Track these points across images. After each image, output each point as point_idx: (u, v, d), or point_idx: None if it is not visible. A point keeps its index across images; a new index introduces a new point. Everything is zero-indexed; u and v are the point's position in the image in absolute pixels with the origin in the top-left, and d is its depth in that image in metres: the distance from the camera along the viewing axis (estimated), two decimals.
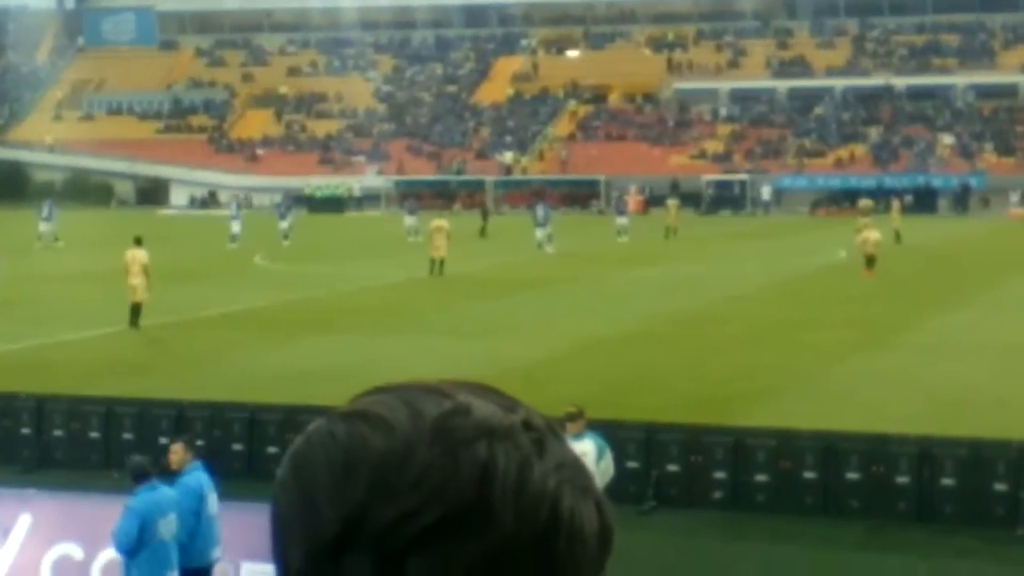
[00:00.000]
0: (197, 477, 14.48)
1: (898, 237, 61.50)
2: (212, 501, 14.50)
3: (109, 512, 14.62)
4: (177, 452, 14.76)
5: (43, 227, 66.14)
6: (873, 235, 49.23)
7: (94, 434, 22.29)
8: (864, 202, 65.96)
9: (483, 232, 68.62)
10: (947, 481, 18.86)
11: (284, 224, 65.86)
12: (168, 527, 13.69)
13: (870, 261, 48.51)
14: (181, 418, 21.67)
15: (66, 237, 65.72)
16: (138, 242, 37.21)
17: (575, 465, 1.43)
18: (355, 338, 33.55)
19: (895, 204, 67.65)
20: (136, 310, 35.76)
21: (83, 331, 34.88)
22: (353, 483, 1.36)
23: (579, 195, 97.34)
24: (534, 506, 1.36)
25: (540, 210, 61.93)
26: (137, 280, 35.84)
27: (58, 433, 22.49)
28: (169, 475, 14.47)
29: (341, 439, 1.39)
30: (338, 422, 1.41)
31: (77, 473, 21.19)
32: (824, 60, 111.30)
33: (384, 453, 1.36)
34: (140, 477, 13.89)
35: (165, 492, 13.91)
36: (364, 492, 1.35)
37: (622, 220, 67.00)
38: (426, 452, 1.36)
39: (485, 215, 73.18)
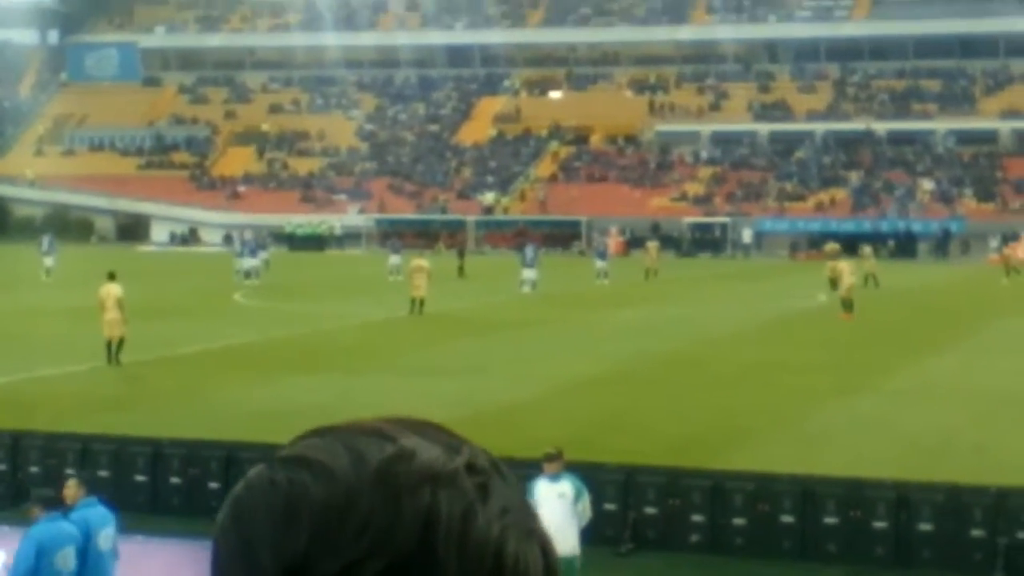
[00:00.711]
0: (85, 514, 14.25)
1: (872, 281, 61.40)
2: (104, 538, 14.25)
3: None
4: (71, 487, 14.60)
5: (47, 261, 66.75)
6: (848, 279, 49.42)
7: (70, 471, 22.12)
8: (830, 246, 65.87)
9: (461, 272, 68.64)
10: (925, 526, 18.85)
11: (251, 261, 65.52)
12: (65, 560, 13.60)
13: (847, 305, 48.67)
14: (157, 456, 21.58)
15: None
16: (111, 277, 36.90)
17: (520, 507, 1.40)
18: (334, 376, 33.47)
19: (866, 249, 67.22)
20: (113, 346, 35.56)
21: (60, 367, 34.74)
22: (294, 533, 1.33)
23: (560, 236, 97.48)
24: (478, 554, 1.34)
25: (529, 251, 61.97)
26: (112, 315, 35.57)
27: (34, 469, 22.35)
28: (64, 509, 14.31)
29: (282, 486, 1.36)
30: (278, 468, 1.38)
31: None
32: (805, 104, 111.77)
33: (326, 501, 1.33)
34: (48, 507, 13.79)
35: (65, 526, 13.79)
36: (306, 542, 1.33)
37: (602, 263, 66.73)
38: (368, 500, 1.33)
39: (462, 255, 73.24)
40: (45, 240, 68.83)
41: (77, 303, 51.15)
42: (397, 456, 1.36)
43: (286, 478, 1.37)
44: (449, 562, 1.32)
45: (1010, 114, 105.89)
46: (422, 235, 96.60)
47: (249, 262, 65.47)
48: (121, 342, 35.63)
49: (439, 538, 1.33)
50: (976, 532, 18.72)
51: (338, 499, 1.33)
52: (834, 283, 58.30)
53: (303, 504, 1.34)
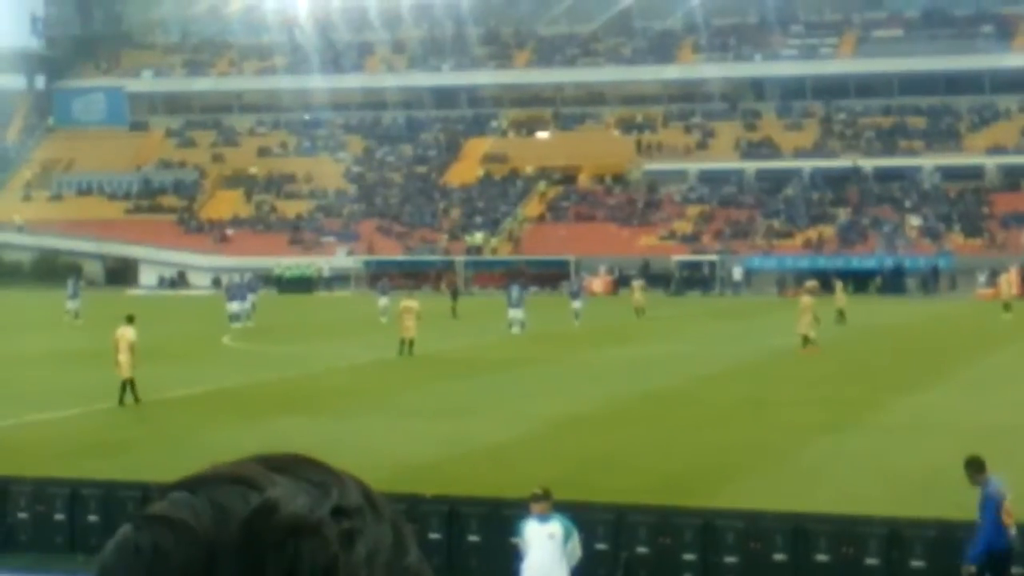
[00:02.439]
0: None
1: (842, 316, 61.86)
2: None
3: None
4: None
5: (70, 304, 66.82)
6: (807, 316, 50.42)
7: (59, 516, 22.07)
8: (810, 283, 65.79)
9: (454, 312, 68.65)
10: (916, 563, 18.81)
11: (239, 304, 65.27)
12: None
13: (806, 340, 49.80)
14: (147, 500, 21.38)
15: (34, 317, 65.43)
16: (130, 320, 38.03)
17: (391, 546, 1.39)
18: (324, 419, 33.40)
19: (838, 284, 66.89)
20: (124, 387, 36.41)
21: (49, 412, 34.64)
22: None
23: (549, 275, 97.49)
24: None
25: (515, 291, 61.91)
26: (123, 357, 36.53)
27: (22, 515, 22.26)
28: None
29: (145, 552, 1.35)
30: (143, 531, 1.37)
31: (42, 556, 20.97)
32: (792, 142, 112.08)
33: (186, 566, 1.33)
34: None
35: None
36: None
37: (576, 304, 65.47)
38: (231, 561, 1.32)
39: (455, 295, 73.25)
40: (70, 284, 69.51)
41: (65, 348, 51.13)
42: (260, 510, 1.35)
43: (150, 542, 1.36)
44: None
45: (996, 150, 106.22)
46: (411, 276, 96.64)
47: (238, 305, 65.28)
48: (131, 383, 36.45)
49: None
50: (969, 569, 18.66)
51: (200, 561, 1.32)
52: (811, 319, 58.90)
53: (163, 570, 1.33)
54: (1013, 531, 17.69)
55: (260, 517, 1.35)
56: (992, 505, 17.55)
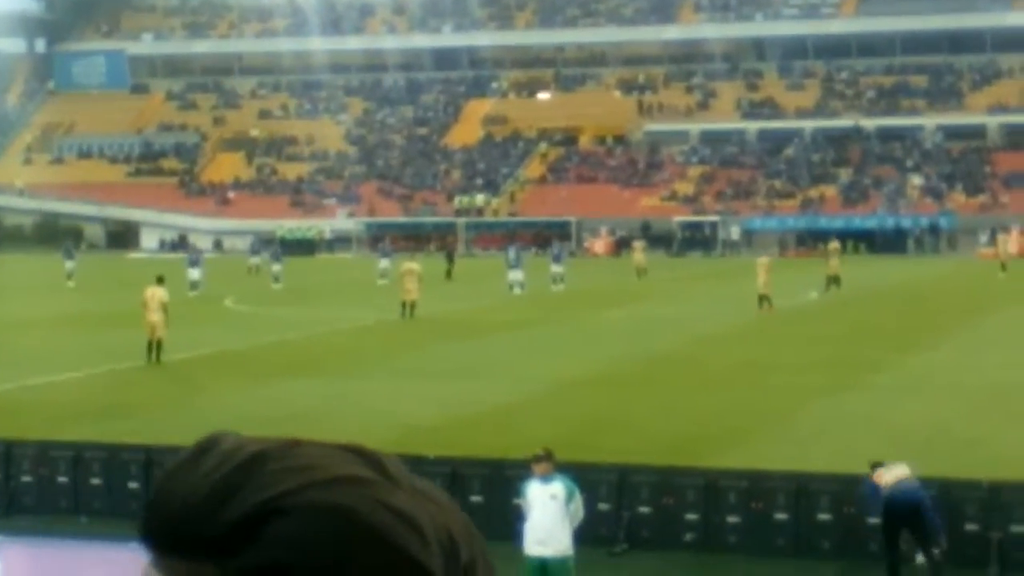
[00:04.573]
0: None
1: (835, 280, 58.32)
2: None
3: (80, 558, 14.51)
4: None
5: (68, 266, 67.42)
6: (763, 276, 50.01)
7: (62, 479, 22.15)
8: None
9: (449, 274, 68.62)
10: None
11: (278, 266, 66.40)
12: None
13: (762, 300, 49.45)
14: (150, 463, 21.55)
15: (36, 281, 65.47)
16: (160, 280, 39.15)
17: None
18: (326, 381, 33.46)
19: (833, 244, 64.15)
20: (154, 345, 37.12)
21: (51, 375, 34.71)
22: None
23: (550, 237, 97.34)
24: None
25: (512, 252, 61.92)
26: (156, 317, 37.23)
27: (26, 478, 22.35)
28: None
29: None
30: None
31: (45, 518, 21.05)
32: (793, 102, 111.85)
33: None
34: None
35: None
36: None
37: (556, 268, 63.11)
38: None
39: (451, 257, 73.20)
40: (65, 247, 70.61)
41: (67, 311, 51.25)
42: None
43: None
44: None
45: (998, 109, 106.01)
46: (412, 238, 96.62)
47: (273, 268, 66.62)
48: (160, 343, 37.12)
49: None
50: (969, 527, 18.76)
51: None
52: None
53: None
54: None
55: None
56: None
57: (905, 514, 17.72)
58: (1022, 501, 18.93)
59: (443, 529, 1.24)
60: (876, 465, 18.23)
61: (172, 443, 22.69)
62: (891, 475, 17.89)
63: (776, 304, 49.81)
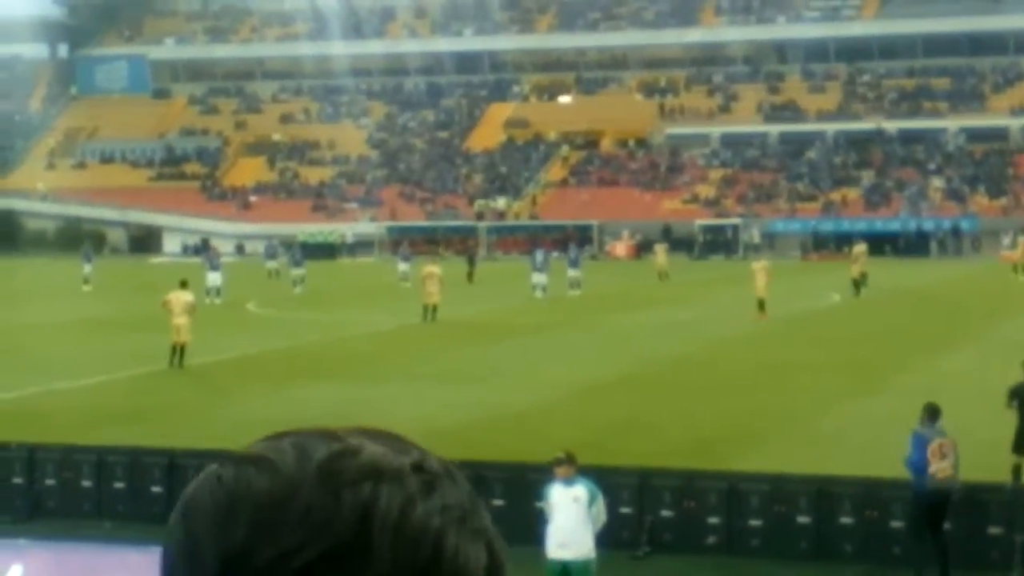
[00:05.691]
0: None
1: (863, 282, 58.03)
2: None
3: (102, 562, 14.54)
4: None
5: (86, 269, 67.66)
6: (763, 279, 48.98)
7: (86, 483, 22.21)
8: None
9: (470, 278, 68.64)
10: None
11: (299, 271, 66.26)
12: None
13: (761, 304, 48.56)
14: (172, 467, 21.60)
15: (59, 286, 65.66)
16: (183, 284, 39.36)
17: (466, 507, 1.43)
18: (347, 385, 33.49)
19: (859, 247, 62.83)
20: (178, 350, 37.07)
21: (74, 379, 34.80)
22: (235, 523, 1.38)
23: (572, 240, 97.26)
24: (413, 544, 1.37)
25: (539, 255, 61.92)
26: (182, 320, 37.19)
27: (50, 482, 22.41)
28: None
29: (227, 481, 1.41)
30: (227, 466, 1.43)
31: (69, 522, 21.10)
32: (815, 104, 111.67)
33: (267, 494, 1.39)
34: None
35: None
36: (245, 531, 1.37)
37: (573, 272, 62.95)
38: (309, 492, 1.38)
39: (472, 261, 73.19)
40: (83, 250, 70.76)
41: (90, 315, 51.39)
42: (342, 452, 1.40)
43: (232, 474, 1.42)
44: (383, 550, 1.36)
45: (1020, 111, 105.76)
46: (433, 242, 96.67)
47: (295, 272, 66.38)
48: (184, 347, 37.10)
49: (375, 528, 1.36)
50: (993, 530, 18.71)
51: (280, 491, 1.38)
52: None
53: (245, 496, 1.39)
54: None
55: (340, 458, 1.40)
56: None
57: (943, 503, 17.88)
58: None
59: None
60: (932, 412, 18.26)
61: (195, 447, 22.76)
62: (937, 465, 17.92)
63: (790, 308, 49.65)
